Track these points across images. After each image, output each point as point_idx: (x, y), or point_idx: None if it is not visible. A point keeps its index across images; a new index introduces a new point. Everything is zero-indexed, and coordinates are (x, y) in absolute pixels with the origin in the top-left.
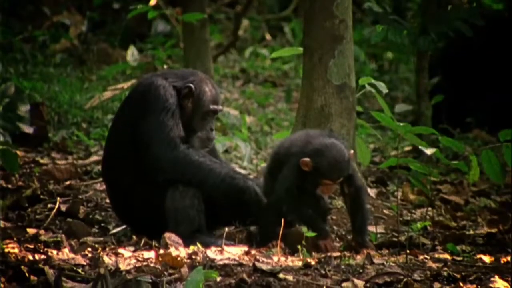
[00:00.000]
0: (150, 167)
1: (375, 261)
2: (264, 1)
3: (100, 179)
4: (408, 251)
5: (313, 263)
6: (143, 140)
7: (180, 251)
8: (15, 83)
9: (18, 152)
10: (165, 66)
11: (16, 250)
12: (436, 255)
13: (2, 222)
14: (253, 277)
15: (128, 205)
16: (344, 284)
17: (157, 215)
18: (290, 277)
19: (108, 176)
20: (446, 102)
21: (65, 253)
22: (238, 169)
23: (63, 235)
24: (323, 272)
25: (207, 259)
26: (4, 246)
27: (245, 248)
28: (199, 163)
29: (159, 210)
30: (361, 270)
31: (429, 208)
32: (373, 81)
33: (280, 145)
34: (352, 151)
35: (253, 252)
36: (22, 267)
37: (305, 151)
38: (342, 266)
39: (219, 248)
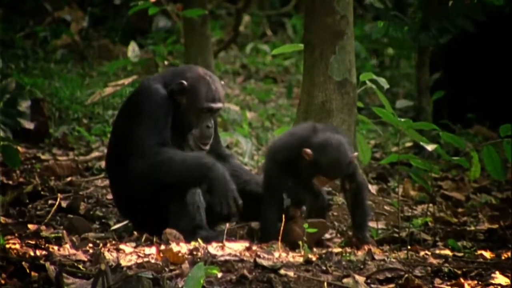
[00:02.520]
0: (131, 176)
1: (376, 257)
2: None
3: (101, 175)
4: (409, 247)
5: (314, 259)
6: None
7: (181, 247)
8: (16, 79)
9: (19, 148)
10: (165, 62)
11: (17, 246)
12: (437, 251)
13: (3, 218)
14: (254, 273)
15: (130, 200)
16: (345, 280)
17: (160, 211)
18: (291, 273)
19: (111, 172)
20: (447, 98)
21: (66, 249)
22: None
23: (64, 231)
24: (324, 268)
25: (208, 255)
26: (5, 242)
27: (246, 244)
28: (170, 160)
29: (160, 206)
30: (362, 266)
31: (430, 204)
32: (374, 77)
33: (281, 135)
34: (356, 154)
35: (254, 248)
36: (23, 263)
37: (310, 141)
38: (343, 262)
39: (220, 244)
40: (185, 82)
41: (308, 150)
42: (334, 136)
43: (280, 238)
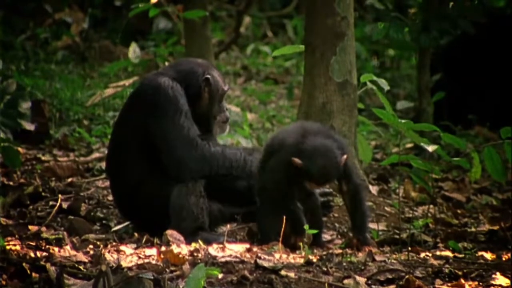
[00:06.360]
0: (176, 171)
1: (377, 258)
2: None
3: (102, 176)
4: (409, 248)
5: (314, 260)
6: (162, 146)
7: (181, 248)
8: (17, 80)
9: (19, 149)
10: (166, 64)
11: (18, 247)
12: (438, 252)
13: (3, 219)
14: (254, 274)
15: (132, 201)
16: (345, 281)
17: (161, 212)
18: (292, 274)
19: (112, 173)
20: (448, 99)
21: (67, 250)
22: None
23: (65, 232)
24: (325, 269)
25: (209, 256)
26: (6, 243)
27: (247, 245)
28: (222, 154)
29: (163, 207)
30: (362, 267)
31: (431, 206)
32: (374, 78)
33: (273, 137)
34: (345, 156)
35: (254, 249)
36: (24, 264)
37: (299, 148)
38: (344, 263)
39: (221, 245)
40: (210, 77)
41: (297, 160)
42: (323, 142)
43: (280, 239)
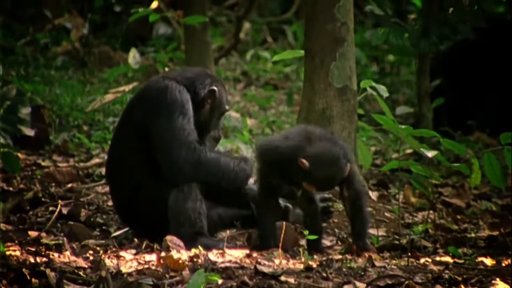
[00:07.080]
0: (170, 172)
1: (377, 264)
2: (266, 3)
3: (102, 182)
4: (409, 254)
5: (314, 266)
6: (159, 145)
7: (181, 254)
8: (16, 86)
9: (19, 154)
10: (166, 69)
11: (18, 253)
12: (438, 258)
13: (3, 225)
14: (254, 280)
15: (131, 206)
16: (345, 287)
17: (161, 218)
18: (291, 280)
19: (112, 178)
20: (447, 104)
21: (67, 256)
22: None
23: (65, 238)
24: (325, 274)
25: (209, 262)
26: (6, 249)
27: (247, 251)
28: (217, 162)
29: (162, 213)
30: (362, 273)
31: (431, 211)
32: (374, 84)
33: (270, 140)
34: (349, 165)
35: (254, 255)
36: (24, 269)
37: (305, 150)
38: (344, 269)
39: (221, 251)
40: (216, 90)
41: (305, 161)
42: (332, 150)
43: (280, 244)
